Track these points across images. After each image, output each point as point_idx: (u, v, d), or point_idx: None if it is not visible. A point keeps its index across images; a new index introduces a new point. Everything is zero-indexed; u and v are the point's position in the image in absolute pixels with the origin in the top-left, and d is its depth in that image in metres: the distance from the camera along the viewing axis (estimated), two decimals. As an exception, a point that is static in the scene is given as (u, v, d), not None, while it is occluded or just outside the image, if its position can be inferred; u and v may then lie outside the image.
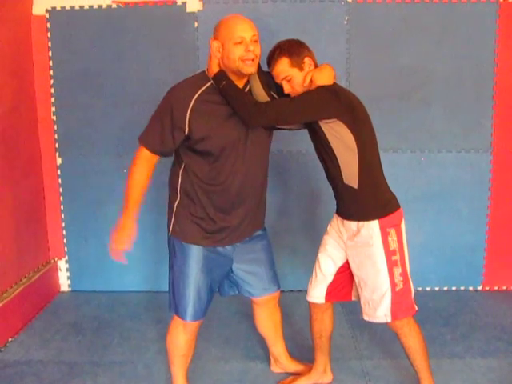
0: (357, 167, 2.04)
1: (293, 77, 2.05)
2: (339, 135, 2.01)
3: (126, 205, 2.11)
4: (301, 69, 2.06)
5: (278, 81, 2.09)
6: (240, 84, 2.07)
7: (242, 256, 2.25)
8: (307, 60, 2.07)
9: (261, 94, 2.09)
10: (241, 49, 1.98)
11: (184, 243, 2.15)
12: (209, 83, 2.06)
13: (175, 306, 2.21)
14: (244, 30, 1.99)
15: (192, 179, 2.10)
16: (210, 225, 2.13)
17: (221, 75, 2.03)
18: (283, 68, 2.05)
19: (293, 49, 2.06)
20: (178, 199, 2.15)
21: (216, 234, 2.15)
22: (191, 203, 2.13)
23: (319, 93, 2.01)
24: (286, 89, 2.08)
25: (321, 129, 2.04)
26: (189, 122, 2.01)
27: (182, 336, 2.24)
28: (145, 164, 2.10)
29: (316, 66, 2.10)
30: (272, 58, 2.07)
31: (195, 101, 2.01)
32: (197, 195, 2.11)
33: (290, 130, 2.26)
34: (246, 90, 2.11)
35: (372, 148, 2.11)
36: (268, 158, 2.25)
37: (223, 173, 2.08)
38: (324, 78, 2.05)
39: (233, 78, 2.04)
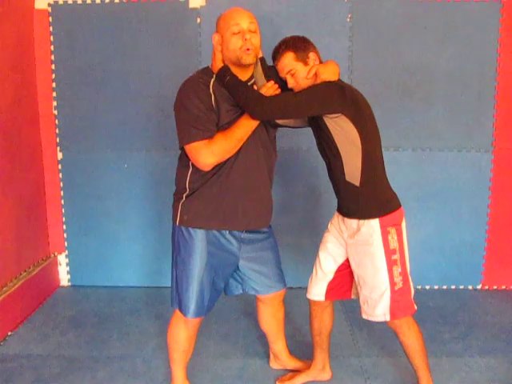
0: (360, 165, 2.03)
1: (297, 71, 2.05)
2: (344, 131, 2.00)
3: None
4: (305, 63, 2.06)
5: (282, 75, 2.09)
6: (243, 77, 2.07)
7: (249, 254, 2.24)
8: (312, 55, 2.07)
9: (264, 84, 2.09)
10: (239, 38, 1.98)
11: (191, 230, 2.11)
12: (215, 77, 2.06)
13: (178, 302, 2.20)
14: (240, 19, 1.99)
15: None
16: (220, 203, 2.10)
17: (224, 70, 2.04)
18: (288, 62, 2.05)
19: (298, 44, 2.07)
20: (188, 191, 2.12)
21: (226, 212, 2.11)
22: (202, 190, 2.10)
23: (324, 86, 2.01)
24: (290, 83, 2.08)
25: (325, 124, 2.03)
26: (215, 102, 2.00)
27: (182, 332, 2.24)
28: (208, 152, 1.98)
29: (321, 62, 2.10)
30: (277, 53, 2.08)
31: (212, 86, 2.03)
32: (208, 180, 2.08)
33: (293, 127, 2.26)
34: (250, 83, 2.11)
35: (376, 146, 2.10)
36: (275, 146, 2.26)
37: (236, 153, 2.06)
38: (329, 72, 2.04)
39: (235, 70, 2.04)
